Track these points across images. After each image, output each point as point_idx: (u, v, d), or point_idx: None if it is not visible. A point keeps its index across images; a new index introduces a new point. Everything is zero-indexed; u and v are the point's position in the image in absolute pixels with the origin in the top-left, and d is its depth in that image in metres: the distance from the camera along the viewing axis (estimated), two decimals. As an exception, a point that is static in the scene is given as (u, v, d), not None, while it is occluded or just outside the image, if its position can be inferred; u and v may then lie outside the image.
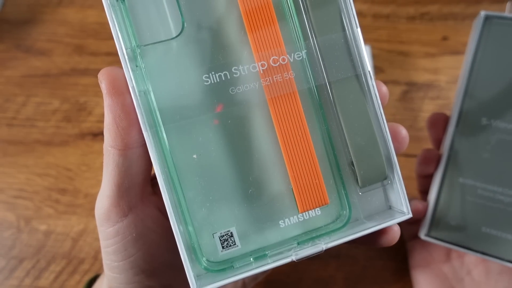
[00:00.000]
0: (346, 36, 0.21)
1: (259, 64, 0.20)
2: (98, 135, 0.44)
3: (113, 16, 0.20)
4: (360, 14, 0.51)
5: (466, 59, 0.31)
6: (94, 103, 0.45)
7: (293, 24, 0.21)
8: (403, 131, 0.24)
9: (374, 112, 0.21)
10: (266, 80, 0.20)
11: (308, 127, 0.21)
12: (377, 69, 0.47)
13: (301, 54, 0.21)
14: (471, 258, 0.32)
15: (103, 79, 0.21)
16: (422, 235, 0.31)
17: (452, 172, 0.30)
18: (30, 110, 0.45)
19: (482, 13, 0.30)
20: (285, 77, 0.20)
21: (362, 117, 0.21)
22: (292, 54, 0.21)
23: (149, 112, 0.20)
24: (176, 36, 0.20)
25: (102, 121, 0.44)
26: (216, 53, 0.20)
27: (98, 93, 0.45)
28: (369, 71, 0.21)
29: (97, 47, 0.47)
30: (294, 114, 0.20)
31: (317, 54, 0.21)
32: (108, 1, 0.20)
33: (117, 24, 0.20)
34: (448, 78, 0.45)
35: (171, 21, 0.20)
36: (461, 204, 0.30)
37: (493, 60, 0.30)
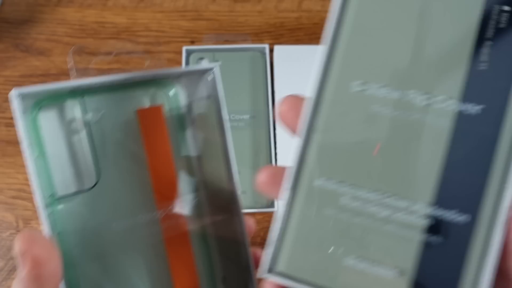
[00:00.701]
0: (231, 189, 0.28)
1: (160, 212, 0.26)
2: (97, 135, 0.44)
3: (34, 169, 0.22)
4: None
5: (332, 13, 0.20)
6: (93, 103, 0.45)
7: (190, 177, 0.27)
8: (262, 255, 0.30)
9: (244, 244, 0.28)
10: (165, 224, 0.26)
11: (194, 256, 0.27)
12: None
13: (192, 203, 0.27)
14: None
15: (18, 243, 0.21)
16: (264, 272, 0.20)
17: (304, 173, 0.20)
18: (29, 110, 0.45)
19: None
20: (180, 221, 0.27)
21: (233, 248, 0.28)
22: (186, 203, 0.27)
23: (63, 252, 0.23)
24: (90, 188, 0.24)
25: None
26: (124, 204, 0.25)
27: (98, 93, 0.45)
28: (242, 213, 0.28)
29: (96, 47, 0.47)
30: (184, 246, 0.27)
31: (204, 202, 0.27)
32: (34, 157, 0.22)
33: (37, 175, 0.22)
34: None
35: (86, 175, 0.24)
36: (317, 221, 0.20)
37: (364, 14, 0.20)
